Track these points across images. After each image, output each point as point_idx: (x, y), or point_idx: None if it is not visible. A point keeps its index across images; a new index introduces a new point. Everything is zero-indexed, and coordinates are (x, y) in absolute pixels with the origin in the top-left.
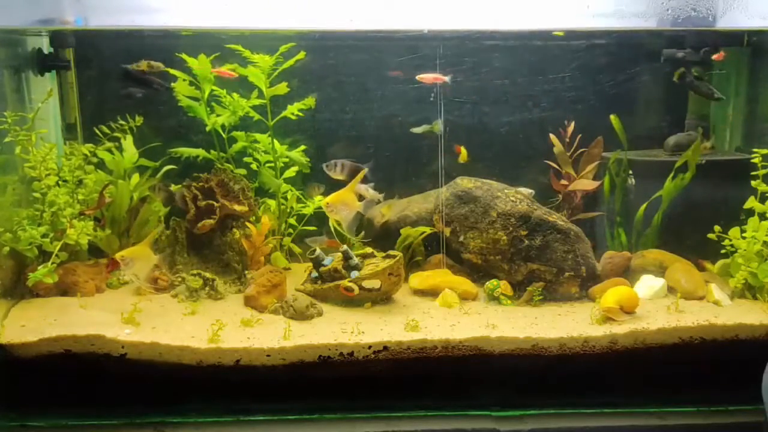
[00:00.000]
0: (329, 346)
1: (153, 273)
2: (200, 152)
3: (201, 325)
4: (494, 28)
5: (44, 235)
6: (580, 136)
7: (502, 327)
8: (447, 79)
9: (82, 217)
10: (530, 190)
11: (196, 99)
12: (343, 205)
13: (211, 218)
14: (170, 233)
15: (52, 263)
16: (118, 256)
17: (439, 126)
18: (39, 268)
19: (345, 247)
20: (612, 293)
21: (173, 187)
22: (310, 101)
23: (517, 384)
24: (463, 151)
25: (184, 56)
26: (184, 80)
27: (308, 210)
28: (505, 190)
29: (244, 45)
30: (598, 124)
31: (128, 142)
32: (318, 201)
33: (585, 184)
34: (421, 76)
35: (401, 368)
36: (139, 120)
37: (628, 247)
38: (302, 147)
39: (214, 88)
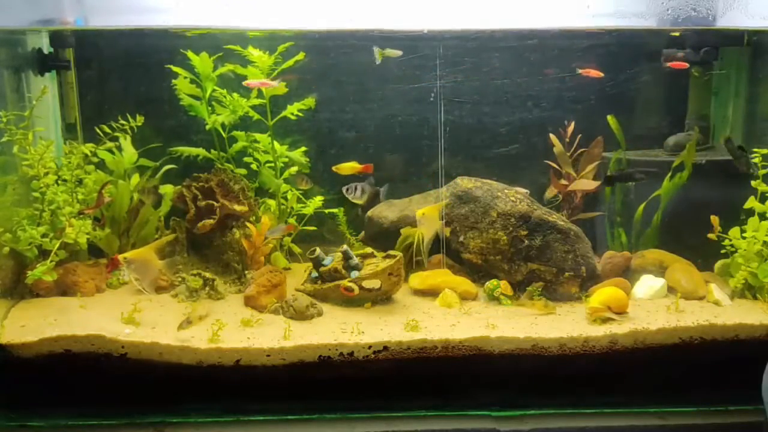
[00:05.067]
0: (329, 346)
1: (156, 278)
2: (200, 152)
3: (201, 325)
4: (494, 28)
5: (44, 235)
6: (580, 136)
7: (502, 327)
8: (275, 83)
9: (81, 216)
10: (525, 190)
11: (197, 98)
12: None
13: (211, 218)
14: (170, 233)
15: (51, 261)
16: (121, 257)
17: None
18: (37, 266)
19: (345, 246)
20: (599, 294)
21: (162, 189)
22: (309, 101)
23: (517, 384)
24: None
25: (190, 53)
26: (185, 78)
27: (308, 210)
28: (505, 190)
29: (243, 45)
30: (598, 124)
31: (127, 143)
32: (318, 200)
33: (585, 184)
34: (248, 81)
35: (401, 368)
36: (140, 119)
37: (628, 247)
38: (303, 148)
39: (216, 87)
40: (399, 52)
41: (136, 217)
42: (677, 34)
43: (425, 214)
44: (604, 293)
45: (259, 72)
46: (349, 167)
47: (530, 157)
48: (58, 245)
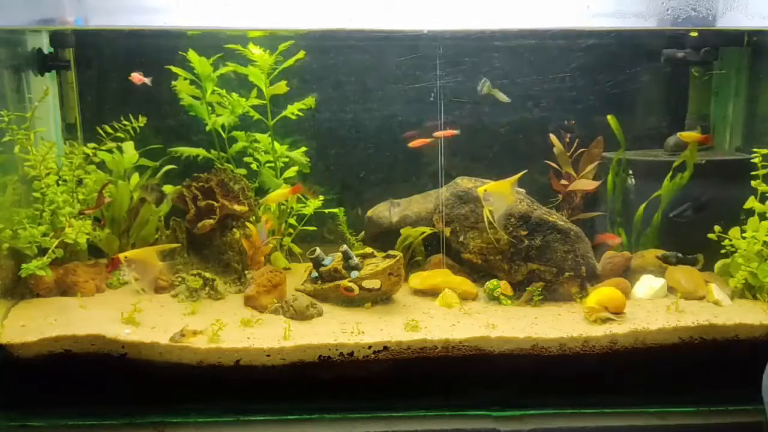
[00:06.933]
0: (329, 346)
1: (155, 278)
2: (200, 152)
3: (201, 325)
4: (494, 28)
5: (44, 234)
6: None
7: (502, 327)
8: (147, 80)
9: (81, 216)
10: (521, 190)
11: (197, 98)
12: (497, 195)
13: (211, 218)
14: (170, 233)
15: (47, 258)
16: (122, 256)
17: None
18: (33, 261)
19: (345, 246)
20: (595, 294)
21: (165, 188)
22: (310, 101)
23: (518, 384)
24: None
25: (190, 54)
26: (185, 79)
27: (308, 210)
28: None
29: (243, 45)
30: (598, 124)
31: (127, 144)
32: (318, 201)
33: (585, 184)
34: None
35: (401, 368)
36: (142, 120)
37: (628, 247)
38: (303, 148)
39: (216, 88)
40: (507, 99)
41: (136, 217)
42: (695, 34)
43: (487, 190)
44: (600, 293)
45: (260, 71)
46: (278, 195)
47: (530, 157)
48: (56, 243)
